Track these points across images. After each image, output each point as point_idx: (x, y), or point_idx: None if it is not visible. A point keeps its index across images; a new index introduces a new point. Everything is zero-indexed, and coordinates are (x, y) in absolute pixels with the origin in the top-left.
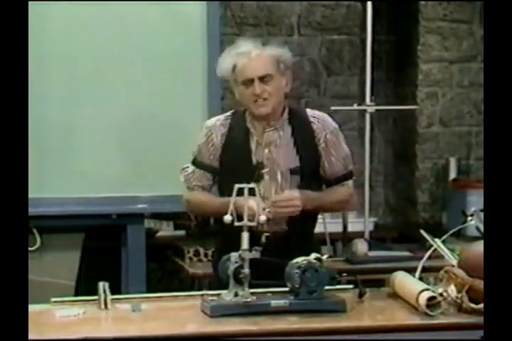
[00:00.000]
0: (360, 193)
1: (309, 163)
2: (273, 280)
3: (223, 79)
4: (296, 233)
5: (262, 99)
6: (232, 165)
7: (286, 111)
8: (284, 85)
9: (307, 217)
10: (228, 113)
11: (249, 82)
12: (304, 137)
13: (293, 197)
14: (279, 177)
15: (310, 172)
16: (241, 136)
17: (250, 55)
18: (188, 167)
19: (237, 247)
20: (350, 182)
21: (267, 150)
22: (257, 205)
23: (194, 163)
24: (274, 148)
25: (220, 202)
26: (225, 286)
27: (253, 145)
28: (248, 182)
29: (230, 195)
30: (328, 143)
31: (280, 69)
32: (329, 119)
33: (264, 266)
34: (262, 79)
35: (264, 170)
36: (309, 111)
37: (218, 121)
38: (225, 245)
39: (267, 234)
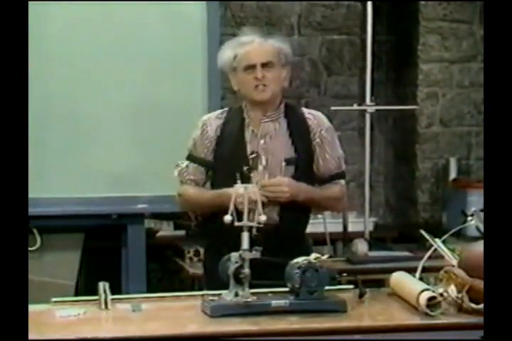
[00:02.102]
0: (361, 193)
1: (304, 156)
2: (269, 278)
3: (223, 79)
4: (286, 226)
5: (263, 85)
6: (227, 155)
7: (283, 104)
8: (283, 78)
9: (299, 210)
10: (225, 108)
11: (251, 68)
12: (299, 131)
13: (281, 183)
14: (273, 167)
15: (304, 164)
16: (236, 127)
17: (253, 43)
18: (182, 162)
19: (226, 247)
20: (342, 182)
21: (262, 141)
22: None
23: (188, 157)
24: (270, 139)
25: (210, 194)
26: (217, 285)
27: (248, 136)
28: (242, 173)
29: (223, 187)
30: (323, 140)
31: (281, 61)
32: (324, 118)
33: (260, 264)
34: (264, 65)
35: (252, 156)
36: (305, 109)
37: (214, 115)
38: (214, 245)
39: (258, 225)
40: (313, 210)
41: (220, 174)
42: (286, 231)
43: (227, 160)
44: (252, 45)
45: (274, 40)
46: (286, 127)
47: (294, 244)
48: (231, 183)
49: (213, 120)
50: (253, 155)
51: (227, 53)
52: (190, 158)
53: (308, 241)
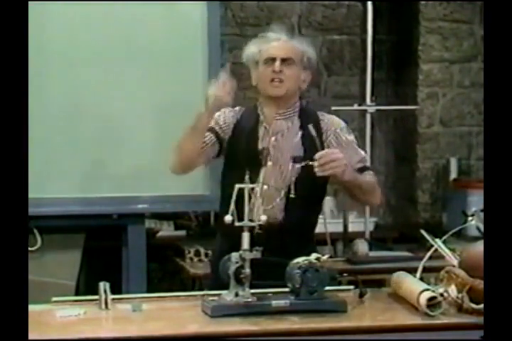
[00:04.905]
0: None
1: (312, 155)
2: (270, 278)
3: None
4: (291, 226)
5: (279, 80)
6: (238, 150)
7: (298, 104)
8: (302, 80)
9: (306, 209)
10: (242, 107)
11: (271, 61)
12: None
13: (336, 151)
14: (282, 164)
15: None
16: (250, 123)
17: (280, 39)
18: None
19: (235, 246)
20: (372, 172)
21: (273, 138)
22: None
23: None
24: (281, 137)
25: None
26: (222, 287)
27: (261, 133)
28: (251, 168)
29: (233, 181)
30: (337, 137)
31: (303, 62)
32: (339, 120)
33: (261, 265)
34: (284, 61)
35: (269, 156)
36: (319, 112)
37: (230, 108)
38: (226, 245)
39: (261, 222)
40: (353, 197)
41: (231, 168)
42: (290, 231)
43: (238, 155)
44: (277, 41)
45: (300, 42)
46: (298, 126)
47: (299, 246)
48: (241, 178)
49: (228, 111)
50: (264, 156)
51: (252, 48)
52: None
53: (315, 245)
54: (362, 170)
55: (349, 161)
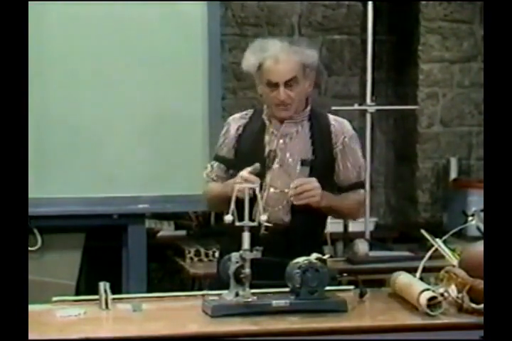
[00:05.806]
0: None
1: (321, 158)
2: (272, 278)
3: (223, 79)
4: (297, 228)
5: (285, 104)
6: (246, 154)
7: (309, 108)
8: (308, 86)
9: (313, 212)
10: (251, 110)
11: (273, 86)
12: (321, 135)
13: (312, 181)
14: (289, 167)
15: (320, 167)
16: (257, 127)
17: (278, 59)
18: (210, 164)
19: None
20: (361, 191)
21: (281, 141)
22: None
23: (214, 157)
24: (289, 140)
25: (219, 186)
26: (226, 287)
27: (268, 136)
28: (259, 171)
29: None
30: (345, 147)
31: (305, 73)
32: (349, 125)
33: (263, 265)
34: (287, 82)
35: (275, 159)
36: (330, 116)
37: (239, 115)
38: (234, 245)
39: (267, 224)
40: (330, 215)
41: (239, 170)
42: (296, 233)
43: (246, 159)
44: (276, 61)
45: (299, 48)
46: (308, 130)
47: (305, 248)
48: None
49: (237, 120)
50: (271, 159)
51: (251, 60)
52: (215, 157)
53: (322, 248)
54: (352, 187)
55: (346, 177)
